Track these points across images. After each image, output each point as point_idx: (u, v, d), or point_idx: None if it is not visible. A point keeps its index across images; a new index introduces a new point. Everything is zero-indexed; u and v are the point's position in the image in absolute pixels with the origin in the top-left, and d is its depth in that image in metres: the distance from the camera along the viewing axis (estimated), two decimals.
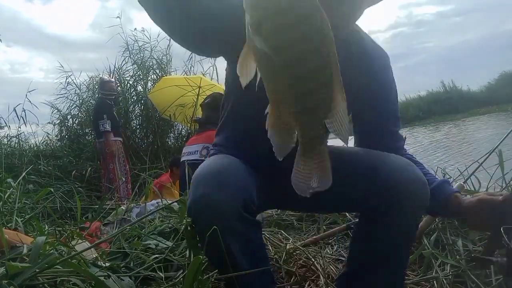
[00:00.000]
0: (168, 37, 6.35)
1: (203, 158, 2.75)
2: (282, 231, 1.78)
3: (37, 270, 0.82)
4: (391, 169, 0.91)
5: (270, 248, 1.52)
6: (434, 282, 1.37)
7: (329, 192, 0.68)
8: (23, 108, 5.30)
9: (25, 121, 5.30)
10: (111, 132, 4.78)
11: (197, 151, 2.81)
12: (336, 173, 0.68)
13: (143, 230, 1.74)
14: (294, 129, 0.61)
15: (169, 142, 6.81)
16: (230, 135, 1.11)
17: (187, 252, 1.22)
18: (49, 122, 7.14)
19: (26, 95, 5.45)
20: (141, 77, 7.00)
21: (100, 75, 6.87)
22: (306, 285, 1.34)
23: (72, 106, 7.18)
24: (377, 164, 0.93)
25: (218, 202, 0.82)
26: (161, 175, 4.18)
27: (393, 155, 0.97)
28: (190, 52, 5.30)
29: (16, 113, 5.19)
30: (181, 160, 3.00)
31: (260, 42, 0.55)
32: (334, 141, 0.77)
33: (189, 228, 0.94)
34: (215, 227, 0.79)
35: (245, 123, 1.03)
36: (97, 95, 5.17)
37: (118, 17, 6.78)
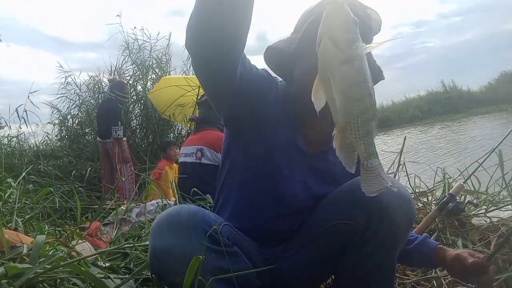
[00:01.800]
0: (168, 37, 6.25)
1: (198, 160, 2.77)
2: None
3: (38, 271, 0.82)
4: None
5: None
6: (434, 282, 1.37)
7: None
8: (24, 109, 5.28)
9: (26, 122, 5.26)
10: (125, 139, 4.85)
11: (193, 153, 2.82)
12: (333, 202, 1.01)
13: (143, 230, 1.74)
14: (355, 149, 0.79)
15: None
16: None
17: None
18: (49, 122, 7.15)
19: (28, 96, 5.41)
20: (140, 76, 7.00)
21: (101, 75, 6.87)
22: None
23: (72, 106, 7.20)
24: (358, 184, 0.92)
25: (181, 249, 0.80)
26: (157, 164, 4.40)
27: None
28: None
29: (18, 114, 5.17)
30: (179, 161, 3.02)
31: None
32: None
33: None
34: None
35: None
36: (107, 96, 5.09)
37: (118, 15, 6.77)
